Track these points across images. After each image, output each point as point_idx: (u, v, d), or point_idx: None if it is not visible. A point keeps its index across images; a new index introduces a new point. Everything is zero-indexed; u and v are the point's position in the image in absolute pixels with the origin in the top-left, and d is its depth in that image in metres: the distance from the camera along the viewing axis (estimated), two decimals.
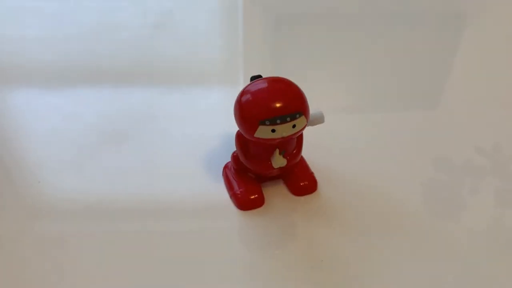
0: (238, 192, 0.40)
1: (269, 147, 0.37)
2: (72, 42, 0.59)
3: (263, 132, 0.34)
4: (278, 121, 0.33)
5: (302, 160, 0.42)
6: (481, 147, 0.45)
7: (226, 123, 0.47)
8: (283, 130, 0.34)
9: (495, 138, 0.47)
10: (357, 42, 0.60)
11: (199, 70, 0.55)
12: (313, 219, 0.39)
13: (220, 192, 0.42)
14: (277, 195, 0.41)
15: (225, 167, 0.43)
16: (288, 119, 0.34)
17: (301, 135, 0.38)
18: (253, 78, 0.36)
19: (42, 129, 0.47)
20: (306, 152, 0.40)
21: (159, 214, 0.40)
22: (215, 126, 0.47)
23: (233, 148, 0.40)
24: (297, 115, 0.34)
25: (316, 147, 0.43)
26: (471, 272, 0.36)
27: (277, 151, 0.37)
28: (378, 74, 0.55)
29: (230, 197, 0.40)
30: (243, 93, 0.36)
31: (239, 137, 0.38)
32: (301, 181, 0.40)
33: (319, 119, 0.37)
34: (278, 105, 0.33)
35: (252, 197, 0.40)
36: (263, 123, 0.33)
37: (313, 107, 0.41)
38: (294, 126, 0.34)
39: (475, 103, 0.51)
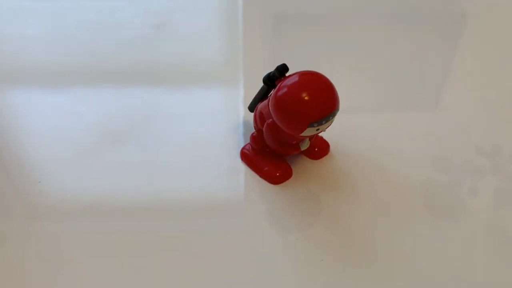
0: (268, 169, 0.42)
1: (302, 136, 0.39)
2: (72, 42, 0.59)
3: (309, 132, 0.36)
4: (324, 122, 0.36)
5: None
6: (481, 147, 0.45)
7: (226, 123, 0.47)
8: (325, 127, 0.37)
9: (495, 138, 0.47)
10: (356, 43, 0.60)
11: (199, 70, 0.55)
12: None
13: (221, 190, 0.42)
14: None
15: (243, 150, 0.44)
16: (331, 117, 0.36)
17: None
18: (280, 68, 0.38)
19: (43, 129, 0.48)
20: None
21: (160, 213, 0.40)
22: (216, 125, 0.47)
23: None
24: (336, 111, 0.36)
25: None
26: (471, 272, 0.36)
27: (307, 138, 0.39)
28: (377, 73, 0.55)
29: (261, 176, 0.42)
30: (289, 92, 0.36)
31: (271, 128, 0.39)
32: (316, 147, 0.44)
33: None
34: (324, 108, 0.35)
35: (283, 170, 0.42)
36: (312, 125, 0.35)
37: None
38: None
39: (475, 103, 0.51)
